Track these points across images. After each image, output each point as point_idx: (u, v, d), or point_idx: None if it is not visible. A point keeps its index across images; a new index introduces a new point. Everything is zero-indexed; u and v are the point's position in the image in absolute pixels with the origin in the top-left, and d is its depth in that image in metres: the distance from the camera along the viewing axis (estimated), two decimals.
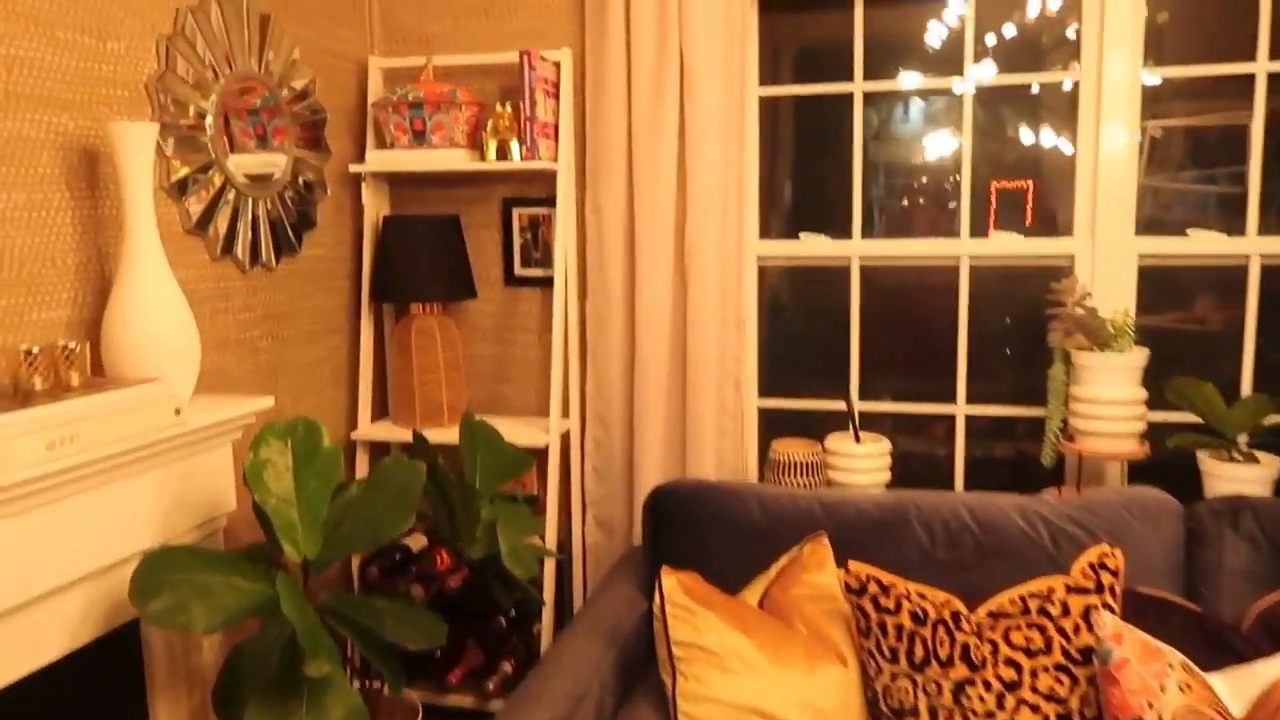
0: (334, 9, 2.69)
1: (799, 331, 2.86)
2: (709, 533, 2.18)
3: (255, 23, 2.35)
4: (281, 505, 1.69)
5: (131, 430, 1.60)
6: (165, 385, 1.68)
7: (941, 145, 2.71)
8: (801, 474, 2.49)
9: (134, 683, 1.78)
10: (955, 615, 1.80)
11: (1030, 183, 2.64)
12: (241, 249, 2.32)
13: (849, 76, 2.69)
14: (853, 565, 1.87)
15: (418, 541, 2.73)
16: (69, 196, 1.85)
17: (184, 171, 2.12)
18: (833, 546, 2.09)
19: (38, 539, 1.48)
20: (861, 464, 2.47)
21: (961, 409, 2.71)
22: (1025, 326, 2.68)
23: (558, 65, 2.70)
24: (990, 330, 2.70)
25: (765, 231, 2.79)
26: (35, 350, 1.55)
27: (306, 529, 1.71)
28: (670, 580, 1.87)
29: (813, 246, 2.74)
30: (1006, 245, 2.62)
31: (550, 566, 2.67)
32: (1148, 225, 2.55)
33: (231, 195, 2.27)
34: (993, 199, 2.67)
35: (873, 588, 1.84)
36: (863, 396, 2.78)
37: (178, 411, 1.69)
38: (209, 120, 2.18)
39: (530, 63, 2.55)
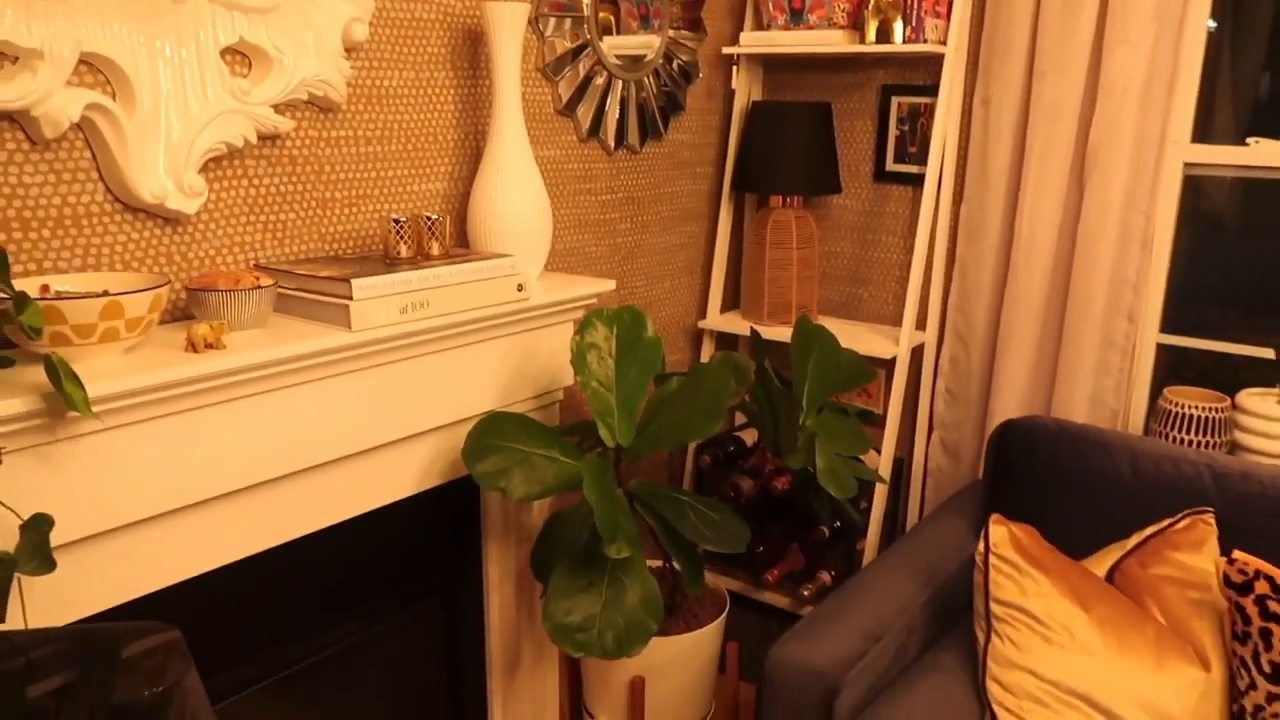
0: None
1: (1229, 256, 2.34)
2: (1063, 484, 1.90)
3: None
4: (601, 390, 1.73)
5: (476, 302, 1.70)
6: (511, 262, 1.76)
7: None
8: (1197, 431, 2.08)
9: (473, 527, 1.97)
10: None
11: None
12: (607, 131, 2.36)
13: None
14: (1239, 555, 1.53)
15: (752, 435, 2.72)
16: (452, 76, 1.97)
17: (559, 52, 2.18)
18: (1219, 528, 1.73)
19: (392, 393, 1.65)
20: None
21: None
22: None
23: None
24: None
25: (1201, 132, 2.29)
26: (403, 220, 1.69)
27: (622, 416, 1.73)
28: (1000, 531, 1.66)
29: (1265, 155, 2.20)
30: None
31: (881, 484, 2.53)
32: None
33: (602, 77, 2.30)
34: None
35: (1261, 586, 1.50)
36: None
37: (520, 288, 1.78)
38: (586, 1, 2.20)
39: None
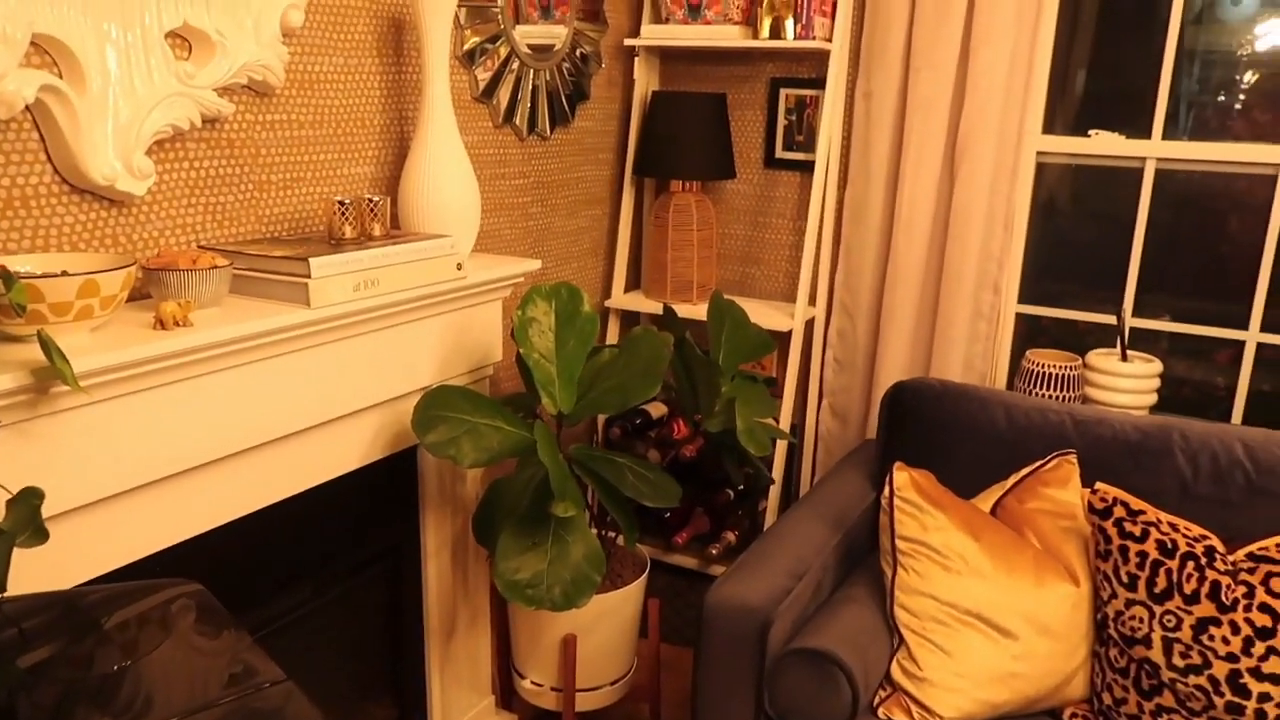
0: None
1: (1074, 236, 2.66)
2: (948, 435, 2.14)
3: None
4: (542, 361, 1.84)
5: (419, 280, 1.78)
6: (450, 242, 1.85)
7: (1277, 36, 2.37)
8: (1055, 387, 2.37)
9: (411, 499, 2.04)
10: (1210, 551, 1.69)
11: None
12: (520, 118, 2.46)
13: None
14: (1100, 486, 1.79)
15: (658, 409, 2.88)
16: (378, 62, 2.03)
17: (475, 41, 2.26)
18: (1081, 467, 2.00)
19: (341, 369, 1.71)
20: (1125, 384, 2.31)
21: (1254, 335, 2.45)
22: None
23: None
24: None
25: (1050, 125, 2.59)
26: (347, 201, 1.75)
27: (563, 385, 1.85)
28: (903, 476, 1.87)
29: (1104, 145, 2.52)
30: None
31: (781, 448, 2.74)
32: None
33: (515, 65, 2.40)
34: None
35: (1119, 511, 1.76)
36: (1139, 314, 2.57)
37: (459, 267, 1.87)
38: None
39: None
